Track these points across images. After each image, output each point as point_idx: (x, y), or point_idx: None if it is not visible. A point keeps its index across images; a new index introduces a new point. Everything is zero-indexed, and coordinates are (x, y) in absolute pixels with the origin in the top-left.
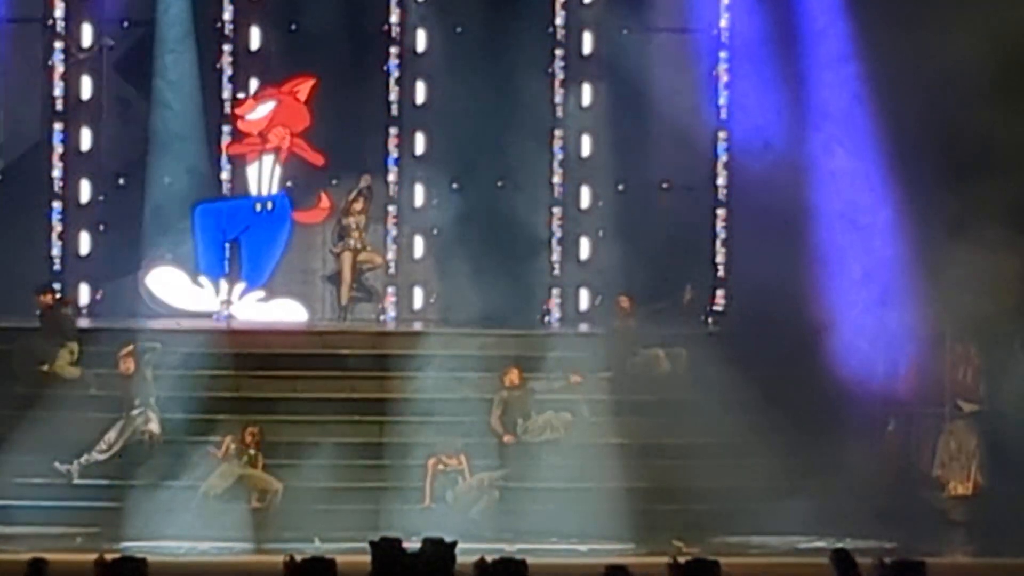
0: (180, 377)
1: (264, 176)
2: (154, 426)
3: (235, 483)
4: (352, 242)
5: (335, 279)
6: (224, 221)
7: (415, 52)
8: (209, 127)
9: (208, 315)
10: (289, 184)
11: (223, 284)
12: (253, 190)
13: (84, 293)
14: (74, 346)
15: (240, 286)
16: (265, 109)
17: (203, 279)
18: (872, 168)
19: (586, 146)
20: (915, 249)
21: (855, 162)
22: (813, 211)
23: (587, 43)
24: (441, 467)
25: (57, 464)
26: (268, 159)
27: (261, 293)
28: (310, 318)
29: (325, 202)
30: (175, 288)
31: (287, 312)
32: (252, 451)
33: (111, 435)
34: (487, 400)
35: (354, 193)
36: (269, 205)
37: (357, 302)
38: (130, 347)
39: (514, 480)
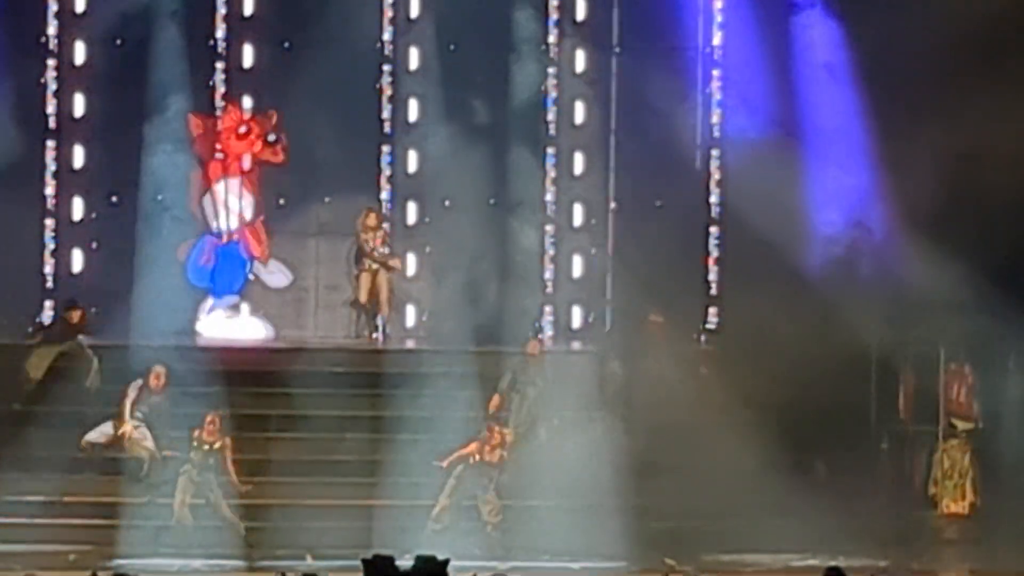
0: (172, 394)
1: (224, 206)
2: (150, 444)
3: (200, 490)
4: (369, 263)
5: (356, 304)
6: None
7: (408, 70)
8: None
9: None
10: (282, 202)
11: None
12: (212, 221)
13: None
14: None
15: (207, 302)
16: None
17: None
18: (866, 184)
19: (579, 164)
20: (910, 264)
21: (849, 178)
22: (806, 229)
23: (580, 61)
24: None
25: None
26: (233, 184)
27: (229, 311)
28: (273, 335)
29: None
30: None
31: (250, 330)
32: (210, 444)
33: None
34: (479, 418)
35: (364, 210)
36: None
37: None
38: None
39: (506, 497)
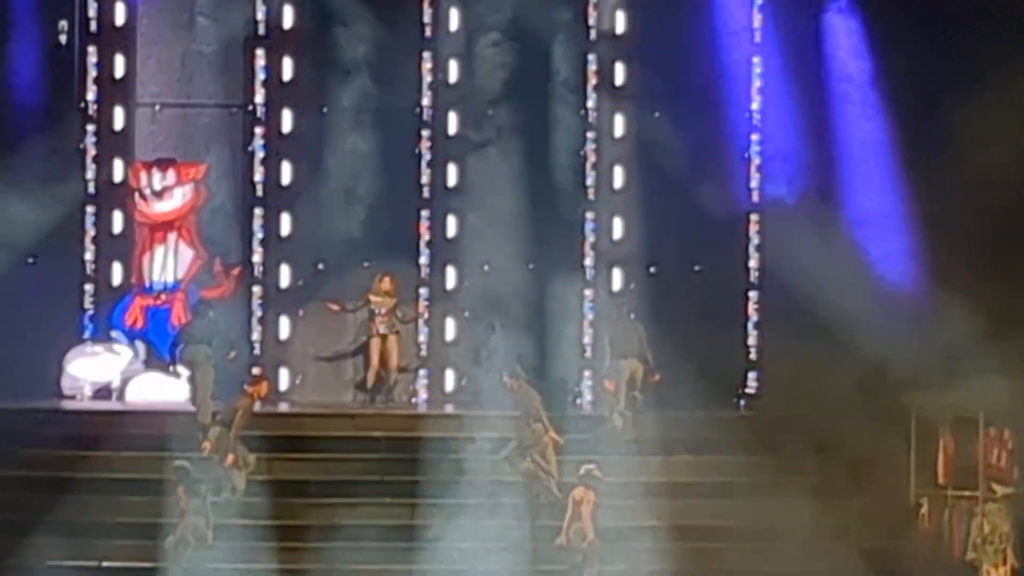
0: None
1: (166, 261)
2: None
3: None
4: (380, 328)
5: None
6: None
7: (446, 135)
8: (242, 208)
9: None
10: (321, 267)
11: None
12: (156, 275)
13: None
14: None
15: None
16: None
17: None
18: (907, 253)
19: (618, 228)
20: (949, 328)
21: (890, 245)
22: (845, 293)
23: (619, 125)
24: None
25: None
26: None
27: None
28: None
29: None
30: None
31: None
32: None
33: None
34: (518, 483)
35: (379, 274)
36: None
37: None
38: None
39: (537, 562)
